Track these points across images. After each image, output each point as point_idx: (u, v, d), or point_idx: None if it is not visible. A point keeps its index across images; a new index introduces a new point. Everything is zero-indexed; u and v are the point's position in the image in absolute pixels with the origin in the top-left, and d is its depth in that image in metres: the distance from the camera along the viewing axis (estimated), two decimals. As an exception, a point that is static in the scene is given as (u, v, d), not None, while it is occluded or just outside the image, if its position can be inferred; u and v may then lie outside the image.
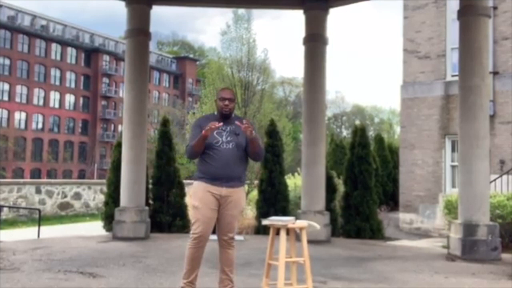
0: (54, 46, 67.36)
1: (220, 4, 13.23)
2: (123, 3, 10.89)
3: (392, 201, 18.55)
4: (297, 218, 5.89)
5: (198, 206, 5.04)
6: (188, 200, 12.05)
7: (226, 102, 5.14)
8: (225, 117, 5.16)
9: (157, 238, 10.52)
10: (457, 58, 9.53)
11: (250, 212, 13.15)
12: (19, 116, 63.10)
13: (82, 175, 64.05)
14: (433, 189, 14.81)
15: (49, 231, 13.53)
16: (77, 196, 20.60)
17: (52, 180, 26.18)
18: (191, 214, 5.14)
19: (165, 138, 12.38)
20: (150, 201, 11.92)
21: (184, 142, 38.48)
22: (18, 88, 63.02)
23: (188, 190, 12.09)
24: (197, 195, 5.09)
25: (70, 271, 6.83)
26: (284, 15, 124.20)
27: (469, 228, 8.61)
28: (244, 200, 5.24)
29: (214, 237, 5.24)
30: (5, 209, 17.64)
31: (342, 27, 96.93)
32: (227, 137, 5.06)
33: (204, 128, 4.92)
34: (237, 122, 5.00)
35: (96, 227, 13.20)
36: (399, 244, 11.63)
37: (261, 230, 11.51)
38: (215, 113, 5.35)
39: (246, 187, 15.79)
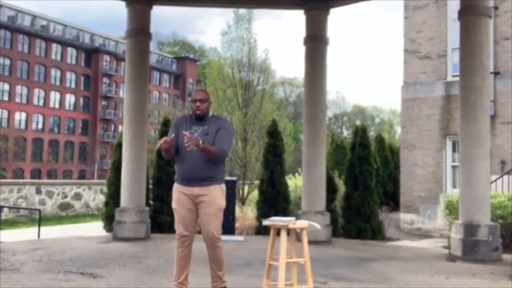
0: (54, 46, 67.36)
1: (220, 4, 13.21)
2: (123, 3, 10.88)
3: (392, 201, 18.53)
4: (297, 219, 5.88)
5: (175, 207, 5.21)
6: None
7: (198, 104, 5.20)
8: (198, 118, 5.22)
9: (157, 238, 10.51)
10: (458, 58, 9.51)
11: (251, 213, 13.14)
12: (19, 117, 63.11)
13: (82, 175, 64.07)
14: (433, 190, 14.79)
15: (49, 232, 13.53)
16: (77, 196, 20.59)
17: (52, 181, 26.20)
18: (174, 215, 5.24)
19: (165, 138, 12.35)
20: (151, 202, 11.92)
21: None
22: (18, 88, 63.02)
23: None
24: (174, 197, 5.25)
25: (70, 271, 6.82)
26: (285, 15, 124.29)
27: (470, 229, 8.60)
28: (220, 198, 5.15)
29: None
30: (5, 209, 17.63)
31: (343, 27, 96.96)
32: (197, 137, 5.04)
33: (179, 128, 5.18)
34: (183, 132, 5.02)
35: (96, 228, 13.19)
36: (400, 245, 11.61)
37: (262, 231, 11.50)
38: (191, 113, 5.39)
39: (246, 187, 15.88)
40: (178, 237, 5.16)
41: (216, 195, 5.12)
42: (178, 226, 5.17)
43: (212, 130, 5.13)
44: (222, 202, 5.18)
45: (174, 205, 5.21)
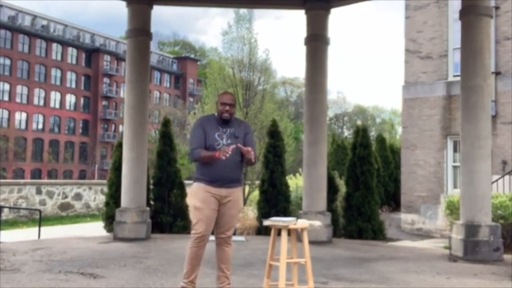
0: (54, 46, 67.38)
1: (221, 4, 13.21)
2: (124, 3, 10.87)
3: (393, 201, 18.52)
4: (298, 219, 5.87)
5: (200, 207, 5.16)
6: (189, 200, 12.08)
7: (227, 108, 5.25)
8: (224, 121, 5.28)
9: (158, 238, 10.50)
10: (459, 58, 9.50)
11: (251, 213, 13.13)
12: (20, 117, 63.12)
13: (82, 175, 64.07)
14: (435, 190, 14.77)
15: (50, 232, 13.52)
16: (78, 196, 20.58)
17: (53, 181, 26.15)
18: (193, 214, 5.21)
19: (166, 138, 12.36)
20: (151, 202, 11.90)
21: (185, 142, 38.41)
22: (19, 88, 63.04)
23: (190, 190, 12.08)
24: (198, 196, 5.20)
25: (70, 272, 6.81)
26: (286, 15, 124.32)
27: (471, 229, 8.58)
28: (242, 200, 5.43)
29: (212, 237, 5.30)
30: (6, 209, 17.61)
31: (344, 27, 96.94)
32: (227, 139, 5.19)
33: (206, 129, 5.18)
34: (238, 145, 5.09)
35: (97, 228, 13.18)
36: (401, 245, 11.60)
37: (262, 231, 11.49)
38: (215, 114, 5.40)
39: (247, 187, 15.90)
40: (197, 236, 5.13)
41: (240, 196, 5.34)
42: (200, 225, 5.12)
43: (240, 134, 5.26)
44: (242, 204, 5.44)
45: (198, 204, 5.15)
